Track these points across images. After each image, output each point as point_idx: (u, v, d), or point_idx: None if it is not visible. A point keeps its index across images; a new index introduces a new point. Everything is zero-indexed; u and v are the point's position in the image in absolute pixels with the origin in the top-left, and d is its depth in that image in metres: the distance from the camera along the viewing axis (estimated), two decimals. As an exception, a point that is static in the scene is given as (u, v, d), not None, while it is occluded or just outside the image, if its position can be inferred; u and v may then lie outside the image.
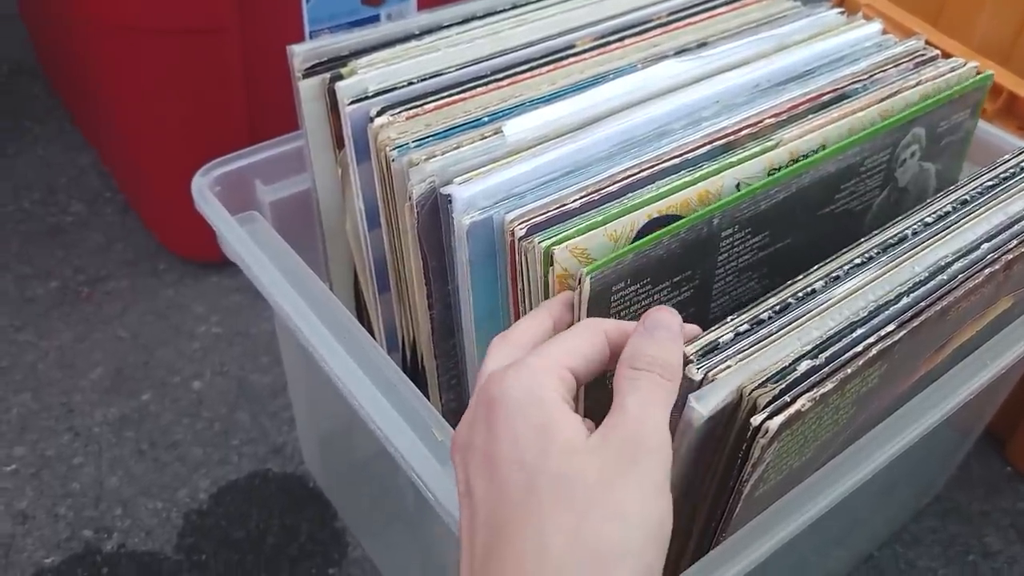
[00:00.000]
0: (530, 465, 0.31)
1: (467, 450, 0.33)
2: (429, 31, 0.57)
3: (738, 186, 0.46)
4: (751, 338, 0.38)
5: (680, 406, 0.36)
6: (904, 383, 0.45)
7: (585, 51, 0.56)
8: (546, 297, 0.43)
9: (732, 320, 0.39)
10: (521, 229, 0.43)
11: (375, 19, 0.90)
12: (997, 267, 0.43)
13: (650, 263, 0.42)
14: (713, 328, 0.39)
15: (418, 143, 0.48)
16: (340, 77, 0.52)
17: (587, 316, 0.41)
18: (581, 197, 0.44)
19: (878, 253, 0.43)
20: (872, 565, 0.76)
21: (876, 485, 0.44)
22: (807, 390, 0.37)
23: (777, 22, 0.59)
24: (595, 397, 0.42)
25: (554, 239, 0.42)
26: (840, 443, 0.43)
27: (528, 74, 0.54)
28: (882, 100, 0.51)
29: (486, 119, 0.50)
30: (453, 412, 0.56)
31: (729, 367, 0.37)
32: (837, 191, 0.50)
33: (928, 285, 0.41)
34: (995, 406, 0.75)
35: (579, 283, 0.40)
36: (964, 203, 0.46)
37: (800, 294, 0.41)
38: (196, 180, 0.59)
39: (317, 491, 0.80)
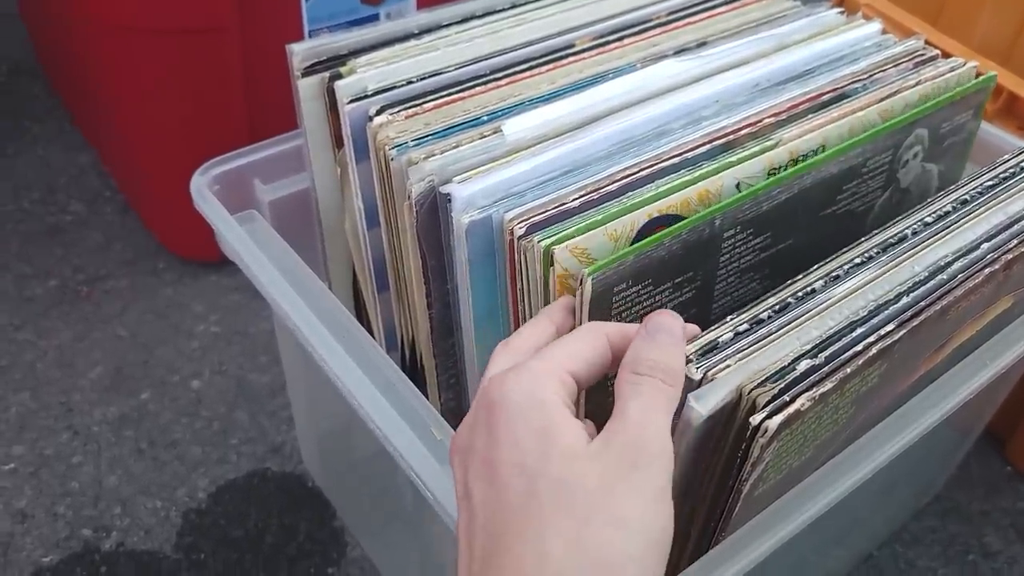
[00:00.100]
0: (531, 469, 0.31)
1: (467, 453, 0.33)
2: (428, 30, 0.57)
3: (738, 186, 0.46)
4: (750, 337, 0.38)
5: (679, 406, 0.35)
6: (904, 383, 0.45)
7: (584, 50, 0.56)
8: (546, 296, 0.42)
9: (731, 319, 0.39)
10: (520, 228, 0.43)
11: (374, 18, 0.90)
12: (997, 267, 0.43)
13: (652, 264, 0.42)
14: (712, 327, 0.39)
15: (417, 142, 0.48)
16: (339, 76, 0.52)
17: (589, 318, 0.41)
18: (580, 196, 0.44)
19: (878, 252, 0.43)
20: (872, 565, 0.76)
21: (876, 485, 0.44)
22: (806, 389, 0.37)
23: (777, 22, 0.59)
24: (596, 401, 0.42)
25: (554, 238, 0.42)
26: (840, 443, 0.43)
27: (527, 73, 0.54)
28: (882, 100, 0.51)
29: (485, 118, 0.50)
30: (452, 411, 0.56)
31: (728, 366, 0.37)
32: (839, 192, 0.50)
33: (928, 285, 0.41)
34: (995, 406, 0.75)
35: (581, 284, 0.40)
36: (964, 203, 0.46)
37: (800, 293, 0.41)
38: (195, 179, 0.59)
39: (316, 490, 0.80)
